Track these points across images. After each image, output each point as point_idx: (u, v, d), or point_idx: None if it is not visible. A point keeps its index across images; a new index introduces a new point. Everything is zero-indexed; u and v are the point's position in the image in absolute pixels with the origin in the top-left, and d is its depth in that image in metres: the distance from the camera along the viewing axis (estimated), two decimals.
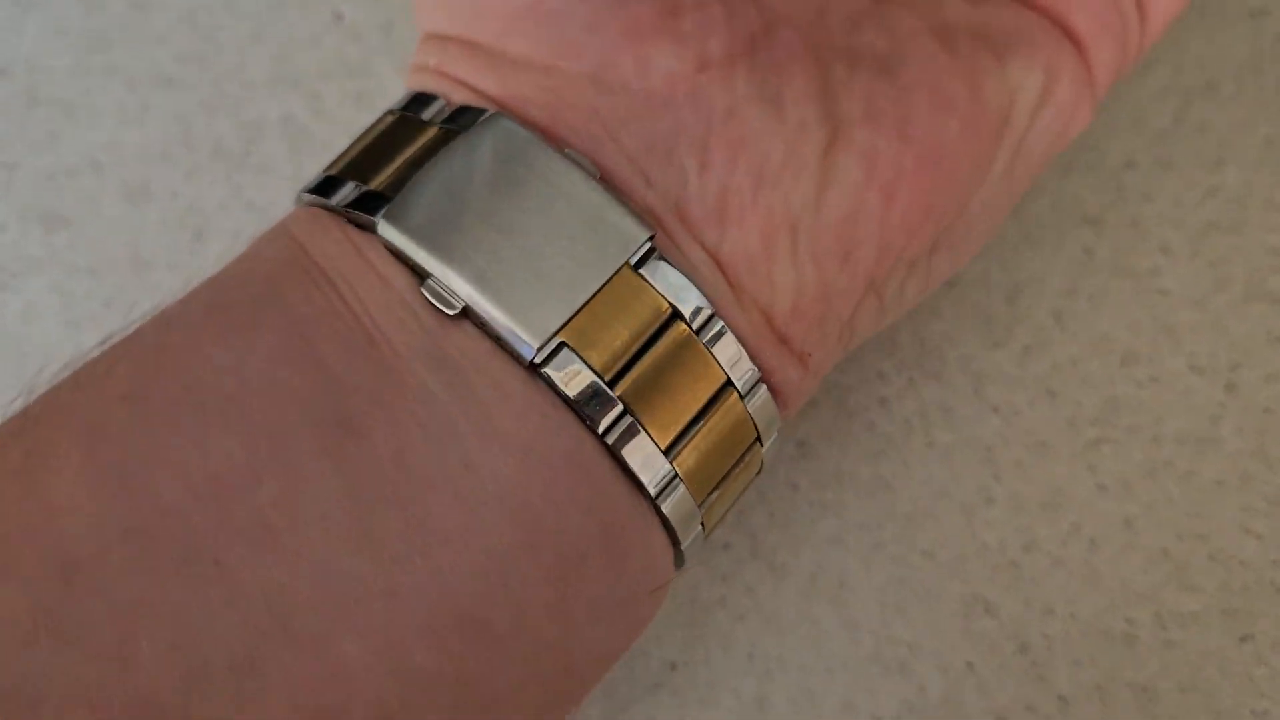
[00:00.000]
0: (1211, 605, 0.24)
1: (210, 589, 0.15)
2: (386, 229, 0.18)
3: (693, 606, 0.24)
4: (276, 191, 0.29)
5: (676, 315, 0.18)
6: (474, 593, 0.16)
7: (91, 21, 0.32)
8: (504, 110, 0.19)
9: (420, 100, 0.20)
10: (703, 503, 0.19)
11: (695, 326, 0.18)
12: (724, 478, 0.19)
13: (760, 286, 0.19)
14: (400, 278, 0.18)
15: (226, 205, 0.29)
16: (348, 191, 0.19)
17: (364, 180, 0.19)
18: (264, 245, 0.19)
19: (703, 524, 0.19)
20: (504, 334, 0.17)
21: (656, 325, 0.18)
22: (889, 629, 0.23)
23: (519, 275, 0.18)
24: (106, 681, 0.14)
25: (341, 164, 0.20)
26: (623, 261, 0.18)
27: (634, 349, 0.18)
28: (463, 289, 0.17)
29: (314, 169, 0.29)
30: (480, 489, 0.17)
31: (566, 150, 0.19)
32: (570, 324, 0.18)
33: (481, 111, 0.19)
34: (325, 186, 0.19)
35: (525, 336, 0.17)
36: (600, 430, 0.17)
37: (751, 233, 0.19)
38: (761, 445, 0.20)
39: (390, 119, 0.20)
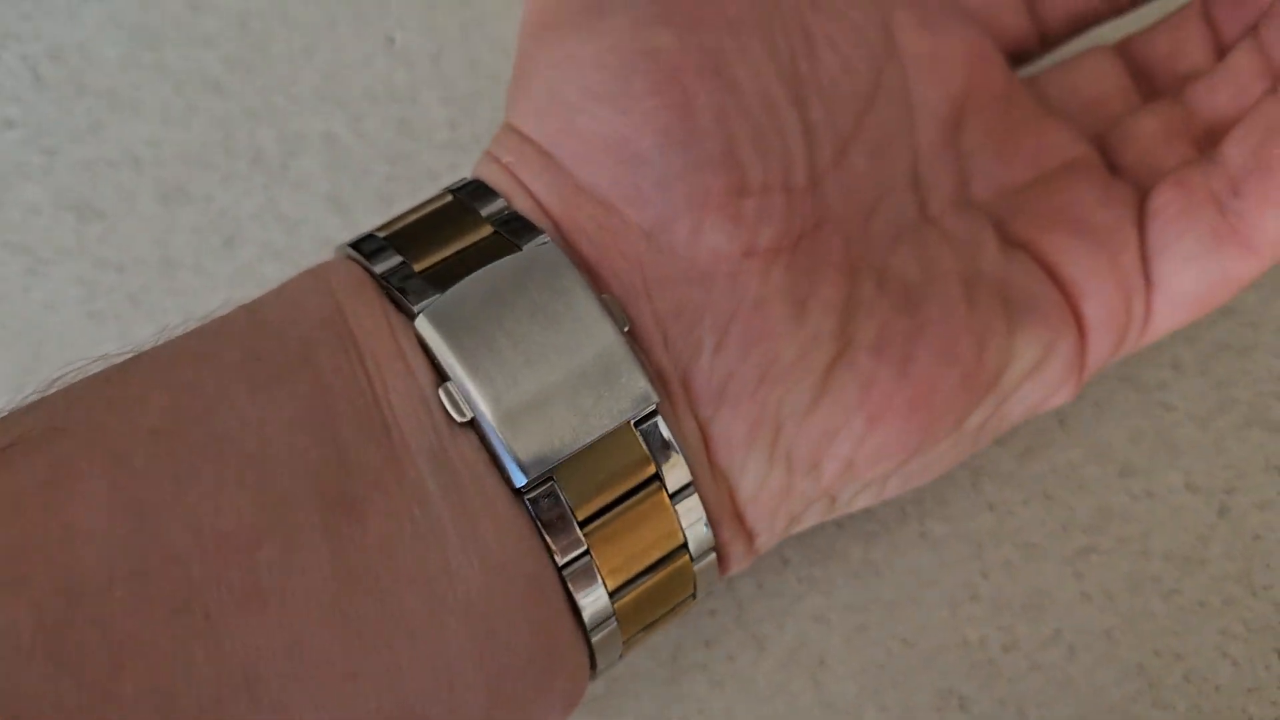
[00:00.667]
0: None
1: (195, 641, 0.15)
2: (425, 325, 0.19)
3: (673, 666, 0.24)
4: (310, 207, 0.29)
5: (658, 478, 0.19)
6: (422, 690, 0.17)
7: (147, 16, 0.32)
8: (559, 232, 0.20)
9: (483, 191, 0.21)
10: (629, 639, 0.20)
11: (671, 491, 0.19)
12: (654, 621, 0.20)
13: (733, 469, 0.20)
14: (423, 372, 0.19)
15: (259, 215, 0.29)
16: (393, 264, 0.19)
17: (408, 256, 0.20)
18: (305, 294, 0.19)
19: (621, 653, 0.20)
20: (503, 458, 0.18)
21: (638, 482, 0.19)
22: (863, 712, 0.24)
23: (531, 406, 0.18)
24: (88, 711, 0.15)
25: (391, 230, 0.20)
26: (628, 420, 0.19)
27: (612, 499, 0.19)
28: (478, 404, 0.18)
29: (350, 189, 0.30)
30: (452, 594, 0.17)
31: (605, 295, 0.20)
32: (563, 464, 0.18)
33: (538, 231, 0.20)
34: (371, 249, 0.20)
35: (521, 469, 0.18)
36: (560, 564, 0.18)
37: (742, 420, 0.20)
38: (695, 599, 0.21)
39: (448, 200, 0.21)
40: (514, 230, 0.20)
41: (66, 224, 0.29)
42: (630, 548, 0.19)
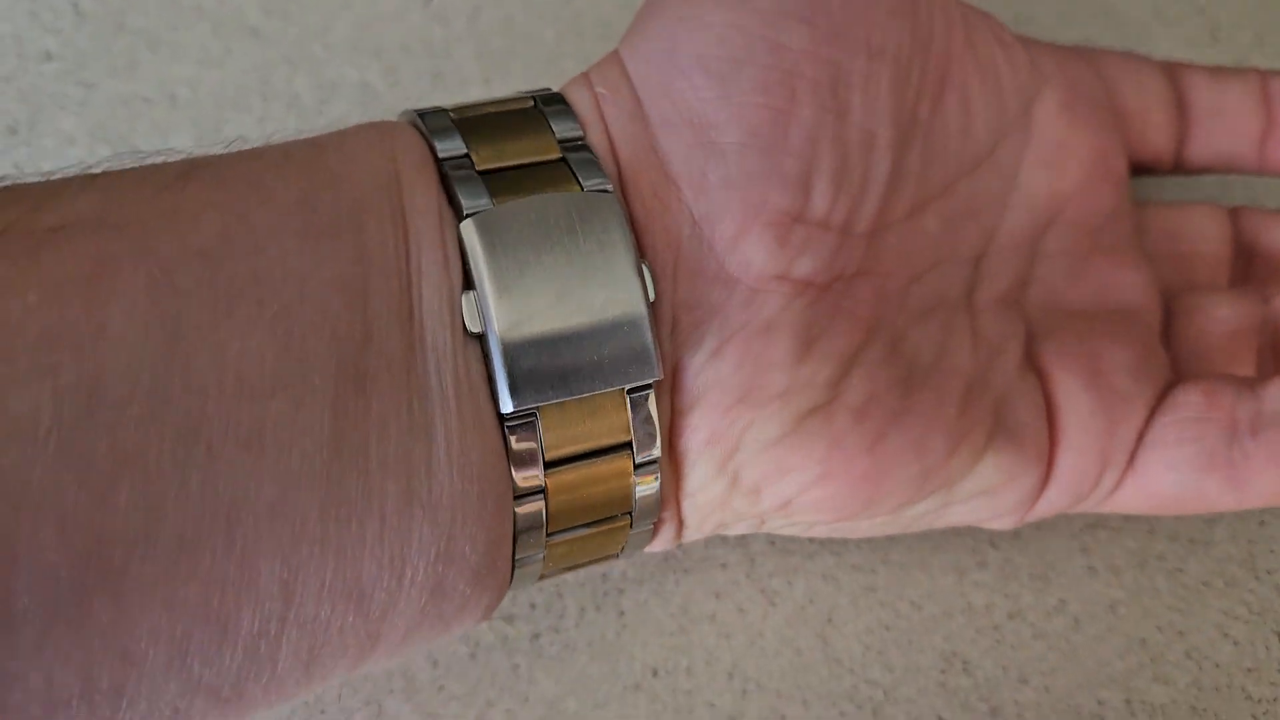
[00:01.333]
0: (1181, 700, 0.24)
1: (194, 471, 0.16)
2: (470, 231, 0.19)
3: (683, 616, 0.24)
4: None
5: (628, 447, 0.20)
6: (375, 574, 0.18)
7: None
8: (619, 181, 0.20)
9: (563, 111, 0.21)
10: (545, 575, 0.21)
11: (638, 463, 0.20)
12: (574, 566, 0.21)
13: (685, 464, 0.21)
14: (457, 274, 0.19)
15: None
16: (457, 152, 0.20)
17: (472, 148, 0.20)
18: (366, 150, 0.19)
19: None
20: (497, 379, 0.19)
21: (611, 444, 0.20)
22: (868, 671, 0.24)
23: (541, 344, 0.19)
24: (82, 512, 0.15)
25: (462, 116, 0.20)
26: (625, 387, 0.19)
27: (582, 451, 0.19)
28: (492, 321, 0.18)
29: None
30: (426, 492, 0.18)
31: (645, 263, 0.20)
32: (549, 407, 0.19)
33: (603, 175, 0.20)
34: (437, 125, 0.20)
35: (511, 396, 0.19)
36: (515, 494, 0.19)
37: (707, 428, 0.20)
38: (617, 558, 0.22)
39: (528, 106, 0.21)
40: (580, 162, 0.20)
41: (100, 156, 0.29)
42: (582, 500, 0.20)
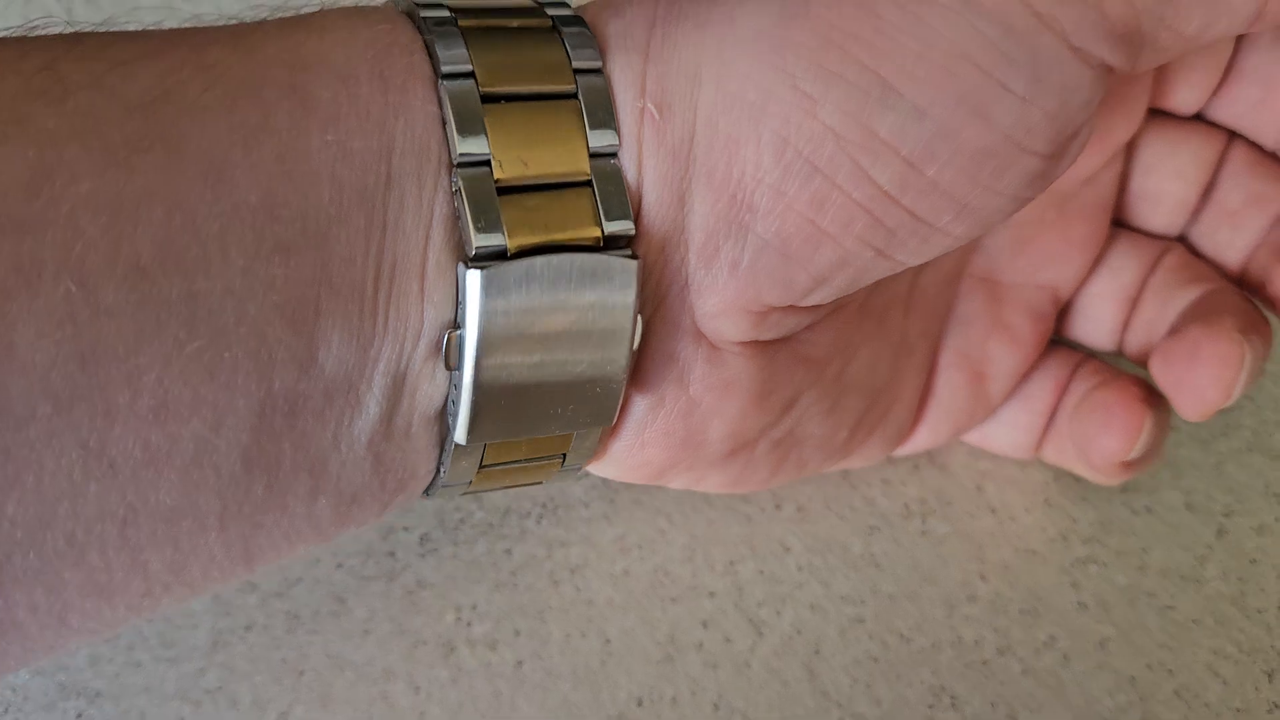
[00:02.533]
0: None
1: (90, 484, 0.16)
2: (475, 285, 0.18)
3: (669, 645, 0.24)
4: None
5: (562, 457, 0.21)
6: (263, 546, 0.18)
7: None
8: (636, 216, 0.19)
9: (584, 38, 0.19)
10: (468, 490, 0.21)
11: (568, 466, 0.21)
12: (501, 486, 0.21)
13: (608, 456, 0.21)
14: (441, 304, 0.18)
15: None
16: (477, 147, 0.18)
17: (493, 140, 0.18)
18: (363, 129, 0.17)
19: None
20: (458, 417, 0.19)
21: (546, 455, 0.20)
22: (855, 704, 0.24)
23: (516, 392, 0.19)
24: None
25: (490, 74, 0.18)
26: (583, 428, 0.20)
27: (516, 460, 0.20)
28: (469, 371, 0.18)
29: None
30: (337, 490, 0.19)
31: (640, 317, 0.19)
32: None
33: (628, 220, 0.19)
34: (445, 33, 0.18)
35: (466, 439, 0.19)
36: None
37: (643, 457, 0.21)
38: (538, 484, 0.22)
39: (567, 89, 0.19)
40: (607, 194, 0.18)
41: None
42: (519, 479, 0.21)
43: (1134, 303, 0.26)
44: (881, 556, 0.25)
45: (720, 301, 0.20)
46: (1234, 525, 0.27)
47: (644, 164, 0.19)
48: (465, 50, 0.18)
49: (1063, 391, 0.26)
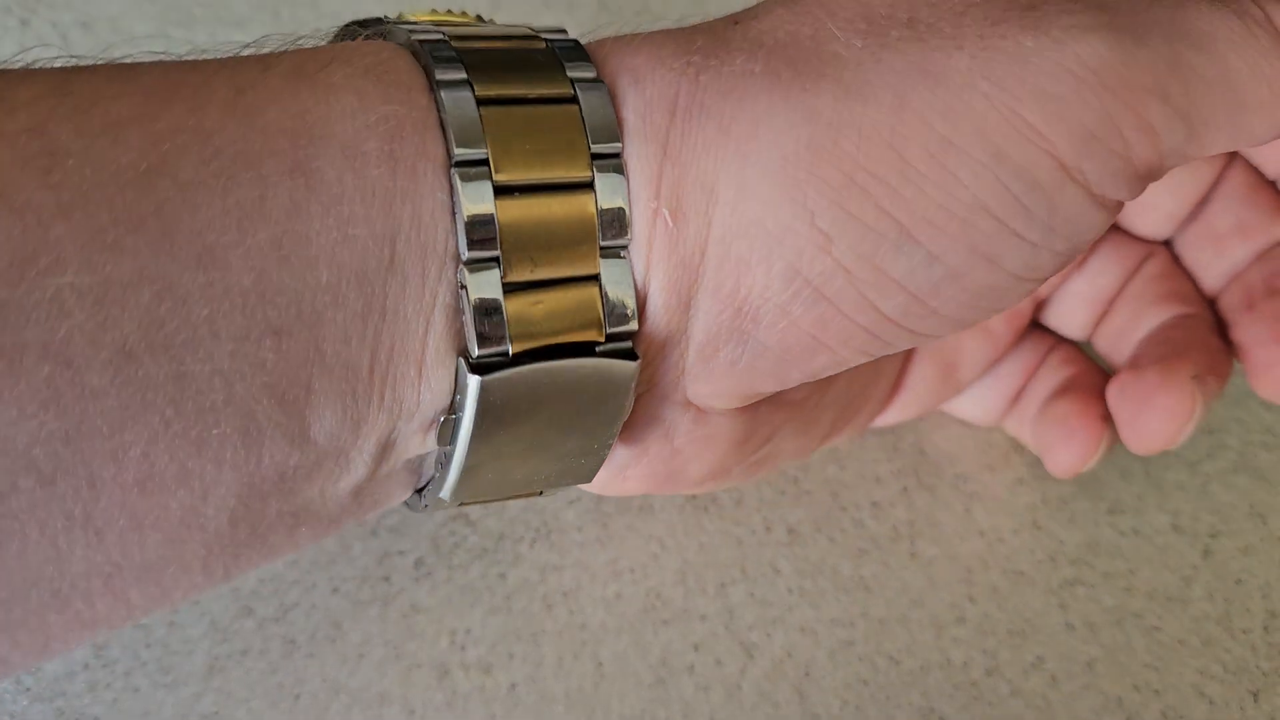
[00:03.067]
0: None
1: (76, 547, 0.16)
2: (472, 393, 0.17)
3: (661, 668, 0.24)
4: None
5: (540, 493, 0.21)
6: (241, 564, 0.18)
7: None
8: (638, 313, 0.19)
9: (606, 118, 0.18)
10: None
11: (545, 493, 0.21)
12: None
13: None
14: (438, 392, 0.18)
15: None
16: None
17: (502, 225, 0.17)
18: (366, 211, 0.17)
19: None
20: (445, 481, 0.19)
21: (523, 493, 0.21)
22: None
23: (499, 474, 0.19)
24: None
25: (504, 163, 0.17)
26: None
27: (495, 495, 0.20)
28: (455, 471, 0.19)
29: None
30: (314, 520, 0.19)
31: (633, 357, 0.19)
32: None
33: (632, 324, 0.18)
34: (460, 108, 0.17)
35: (449, 499, 0.19)
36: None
37: (621, 489, 0.22)
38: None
39: (584, 178, 0.18)
40: (612, 301, 0.18)
41: None
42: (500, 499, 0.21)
43: (1108, 305, 0.26)
44: (871, 579, 0.26)
45: (713, 389, 0.20)
46: (1220, 546, 0.27)
47: (652, 265, 0.19)
48: (481, 130, 0.17)
49: (1031, 375, 0.27)
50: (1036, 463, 0.27)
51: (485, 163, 0.17)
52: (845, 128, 0.18)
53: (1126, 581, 0.26)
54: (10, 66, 0.16)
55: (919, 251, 0.18)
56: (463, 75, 0.17)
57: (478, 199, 0.17)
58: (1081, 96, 0.18)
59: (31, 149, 0.14)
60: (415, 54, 0.18)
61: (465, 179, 0.17)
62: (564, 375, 0.18)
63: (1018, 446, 0.28)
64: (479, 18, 0.20)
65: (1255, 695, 0.25)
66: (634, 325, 0.18)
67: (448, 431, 0.18)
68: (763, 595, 0.25)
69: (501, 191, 0.17)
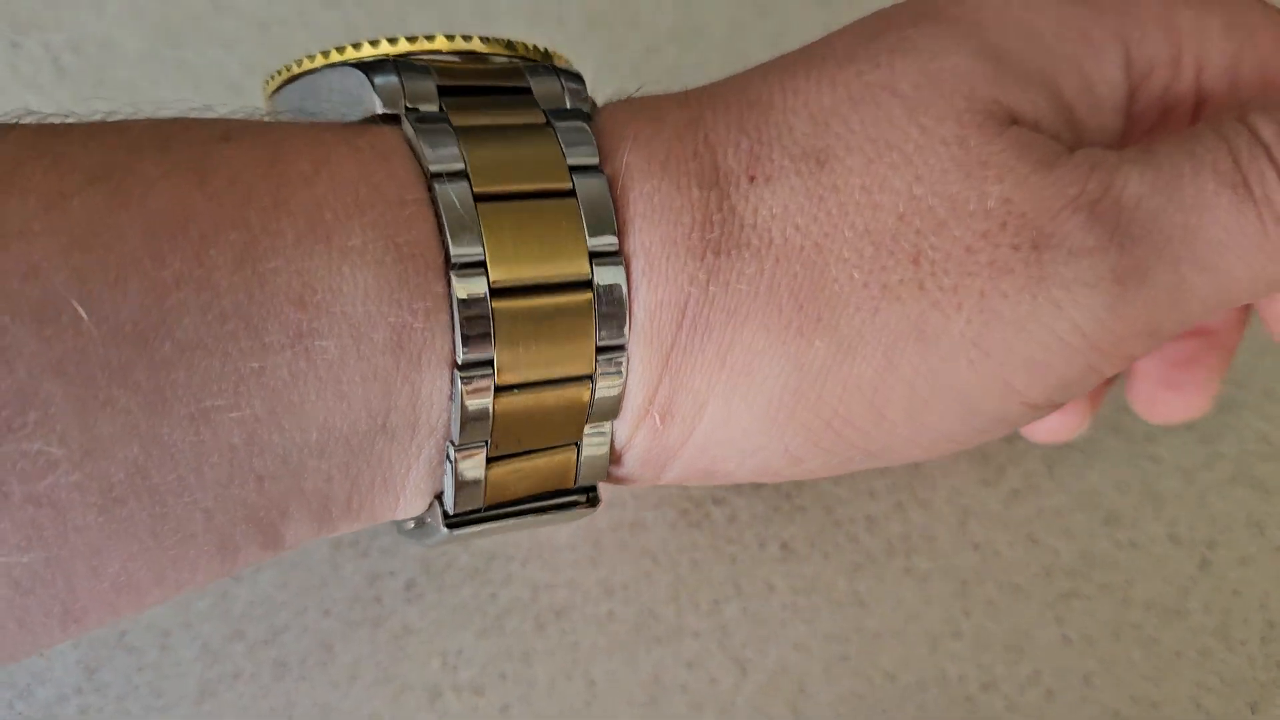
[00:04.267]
0: None
1: (54, 631, 0.17)
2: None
3: (654, 686, 0.24)
4: None
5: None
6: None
7: (169, 14, 0.33)
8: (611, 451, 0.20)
9: (618, 324, 0.18)
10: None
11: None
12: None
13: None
14: (420, 492, 0.19)
15: None
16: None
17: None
18: (356, 352, 0.17)
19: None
20: (435, 530, 0.20)
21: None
22: None
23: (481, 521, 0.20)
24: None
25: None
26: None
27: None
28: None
29: None
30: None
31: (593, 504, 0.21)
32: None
33: (605, 464, 0.20)
34: (476, 321, 0.17)
35: (446, 533, 0.20)
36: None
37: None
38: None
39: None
40: (587, 474, 0.20)
41: None
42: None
43: None
44: (866, 594, 0.26)
45: (656, 480, 0.22)
46: (1217, 557, 0.27)
47: (632, 443, 0.20)
48: (492, 336, 0.17)
49: None
50: (1031, 475, 0.28)
51: (491, 363, 0.17)
52: (831, 381, 0.19)
53: (1123, 593, 0.26)
54: None
55: (883, 460, 0.21)
56: (480, 254, 0.17)
57: (479, 398, 0.17)
58: (1069, 359, 0.18)
59: (28, 296, 0.14)
60: (431, 196, 0.17)
61: (468, 380, 0.17)
62: (529, 519, 0.20)
63: (1013, 459, 0.28)
64: (482, 39, 0.20)
65: (1253, 707, 0.25)
66: (604, 478, 0.20)
67: (427, 524, 0.20)
68: (756, 612, 0.25)
69: (502, 390, 0.17)
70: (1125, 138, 0.22)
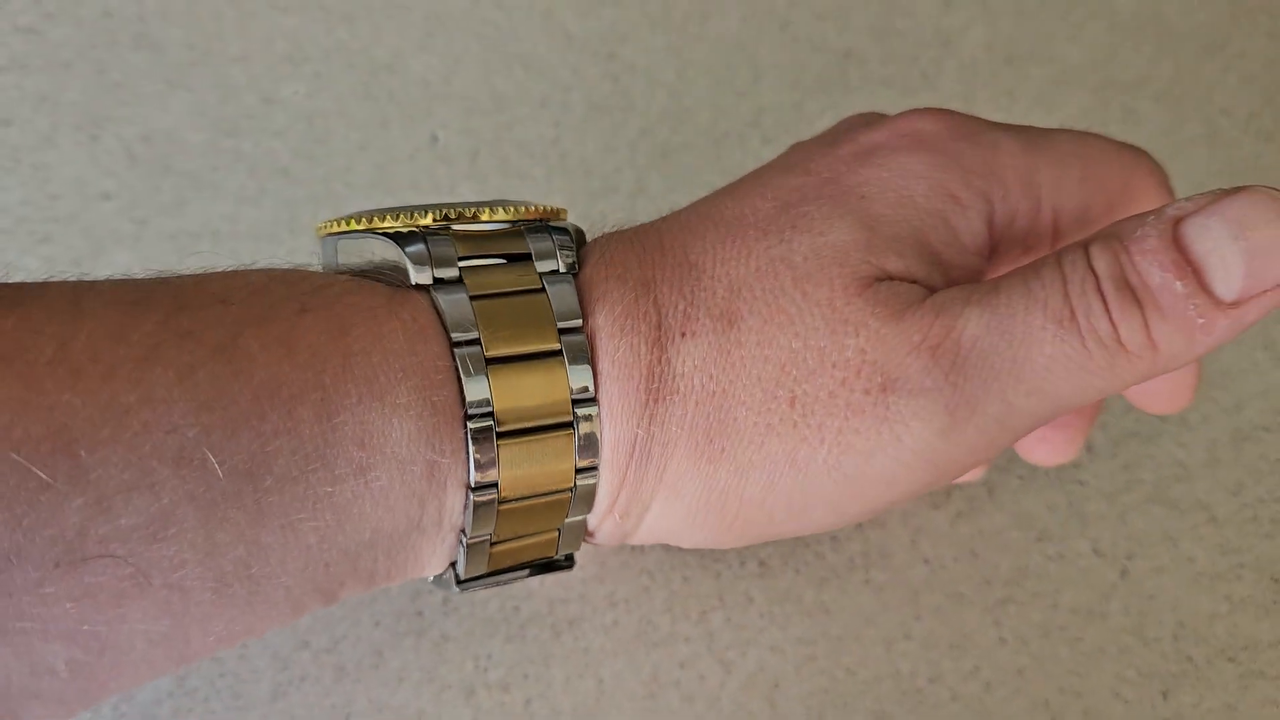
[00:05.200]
0: None
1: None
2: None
3: (653, 683, 0.28)
4: None
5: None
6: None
7: (226, 109, 0.37)
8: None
9: (592, 448, 0.23)
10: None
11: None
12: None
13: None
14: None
15: None
16: (482, 535, 0.23)
17: (499, 526, 0.23)
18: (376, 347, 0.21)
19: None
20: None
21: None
22: None
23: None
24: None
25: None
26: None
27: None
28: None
29: None
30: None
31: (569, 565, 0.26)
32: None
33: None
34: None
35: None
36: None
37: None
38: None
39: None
40: (563, 545, 0.25)
41: None
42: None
43: None
44: (831, 603, 0.29)
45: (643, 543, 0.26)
46: (1135, 567, 0.30)
47: (601, 527, 0.25)
48: (496, 468, 0.22)
49: None
50: (974, 498, 0.31)
51: (495, 485, 0.22)
52: (730, 496, 0.23)
53: (1052, 600, 0.29)
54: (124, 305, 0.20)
55: (780, 538, 0.25)
56: (489, 405, 0.21)
57: (486, 508, 0.22)
58: (911, 474, 0.23)
59: (170, 445, 0.18)
60: (454, 361, 0.21)
61: (479, 493, 0.22)
62: (522, 576, 0.25)
63: (958, 485, 0.31)
64: (504, 206, 0.24)
65: (1165, 694, 0.28)
66: (578, 549, 0.25)
67: (438, 580, 0.25)
68: (738, 620, 0.29)
69: (504, 501, 0.22)
70: (991, 270, 0.25)
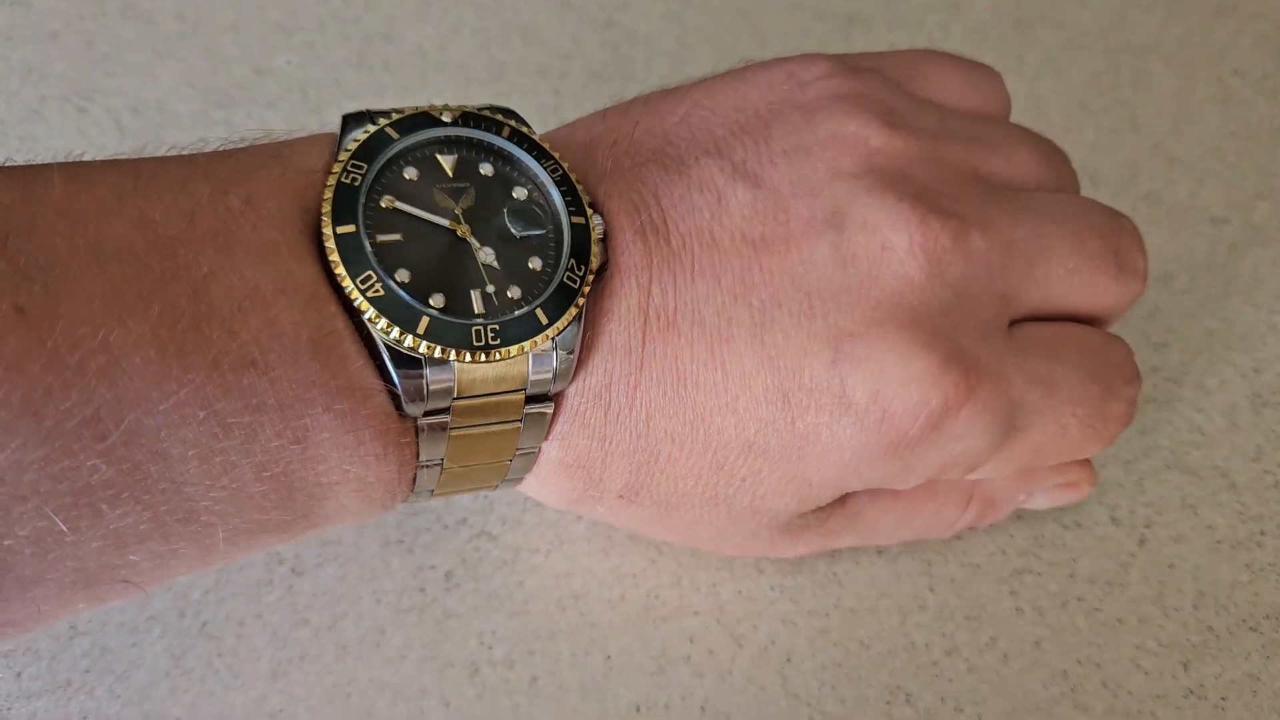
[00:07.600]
0: None
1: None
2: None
3: (662, 658, 0.27)
4: None
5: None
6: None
7: (217, 79, 0.36)
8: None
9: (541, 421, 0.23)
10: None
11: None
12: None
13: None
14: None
15: None
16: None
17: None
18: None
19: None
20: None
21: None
22: (822, 704, 0.27)
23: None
24: None
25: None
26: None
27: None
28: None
29: None
30: None
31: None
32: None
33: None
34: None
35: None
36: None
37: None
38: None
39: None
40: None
41: None
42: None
43: None
44: (843, 575, 0.29)
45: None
46: (1154, 535, 0.30)
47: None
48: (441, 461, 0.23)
49: None
50: None
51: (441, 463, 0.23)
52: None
53: (1070, 569, 0.29)
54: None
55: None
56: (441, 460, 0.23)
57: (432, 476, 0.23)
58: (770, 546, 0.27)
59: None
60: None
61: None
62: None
63: None
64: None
65: (1185, 665, 0.28)
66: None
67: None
68: (749, 592, 0.29)
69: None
70: None
